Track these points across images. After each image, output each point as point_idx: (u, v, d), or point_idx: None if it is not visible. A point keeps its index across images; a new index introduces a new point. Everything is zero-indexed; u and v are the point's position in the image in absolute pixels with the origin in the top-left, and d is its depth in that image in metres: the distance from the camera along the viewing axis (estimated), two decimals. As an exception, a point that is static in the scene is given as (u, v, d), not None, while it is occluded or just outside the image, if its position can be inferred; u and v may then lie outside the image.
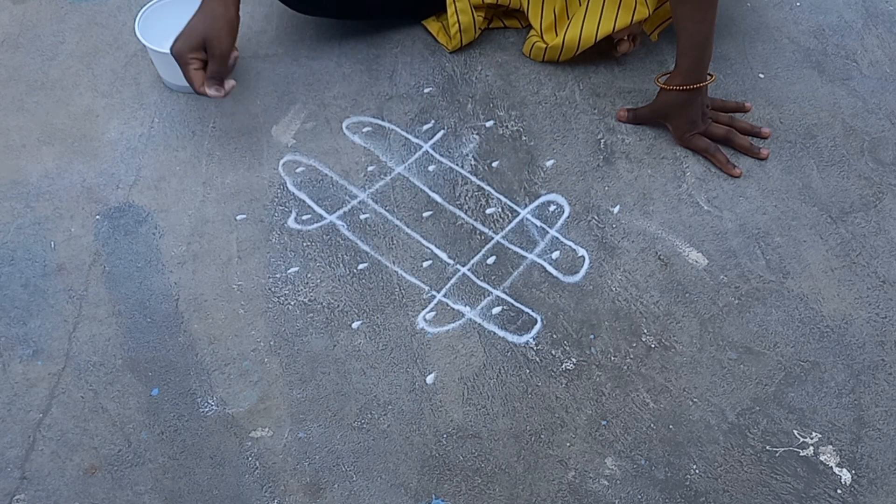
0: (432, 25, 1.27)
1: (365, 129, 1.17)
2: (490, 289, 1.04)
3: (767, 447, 0.94)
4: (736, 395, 0.97)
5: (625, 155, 1.16)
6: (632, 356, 0.99)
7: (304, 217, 1.08)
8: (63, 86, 1.18)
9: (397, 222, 1.09)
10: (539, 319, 1.01)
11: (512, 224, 1.09)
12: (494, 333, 1.00)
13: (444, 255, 1.06)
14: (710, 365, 0.99)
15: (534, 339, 1.00)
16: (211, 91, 1.01)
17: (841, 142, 1.19)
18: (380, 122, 1.17)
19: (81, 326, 0.98)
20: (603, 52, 1.24)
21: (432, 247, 1.07)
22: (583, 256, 1.07)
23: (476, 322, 1.01)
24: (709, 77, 1.10)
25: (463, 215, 1.10)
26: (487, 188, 1.12)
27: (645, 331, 1.01)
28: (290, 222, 1.07)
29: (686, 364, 0.99)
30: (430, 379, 0.97)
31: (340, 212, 1.09)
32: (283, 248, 1.05)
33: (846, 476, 0.92)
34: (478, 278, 1.04)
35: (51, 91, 1.17)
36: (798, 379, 0.98)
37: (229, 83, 1.03)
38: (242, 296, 1.01)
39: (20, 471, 0.89)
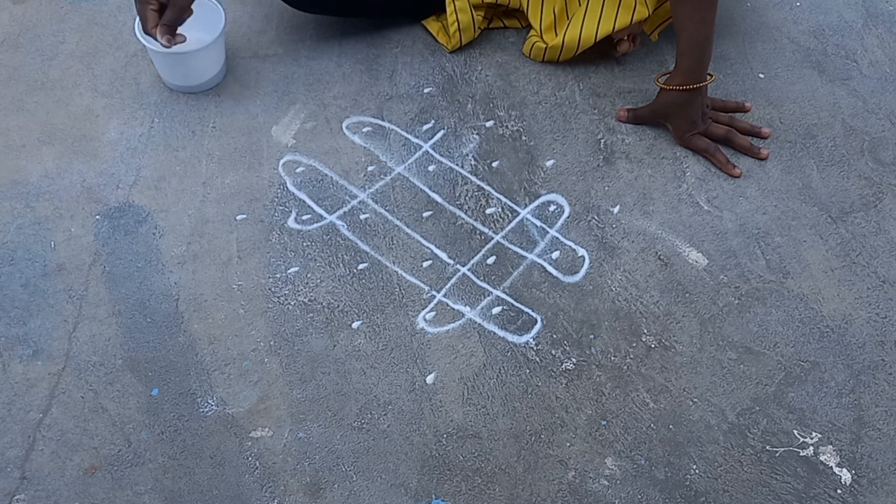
0: (432, 25, 1.27)
1: (365, 129, 1.17)
2: (490, 289, 1.04)
3: (767, 447, 0.94)
4: (736, 395, 0.97)
5: (625, 155, 1.16)
6: (632, 356, 0.99)
7: (304, 217, 1.08)
8: (63, 86, 1.18)
9: (397, 222, 1.09)
10: (539, 319, 1.01)
11: (512, 224, 1.09)
12: (494, 333, 1.00)
13: (444, 255, 1.06)
14: (710, 365, 0.99)
15: (534, 339, 1.00)
16: (163, 39, 1.05)
17: (841, 142, 1.19)
18: (380, 122, 1.17)
19: (81, 326, 0.98)
20: (603, 52, 1.24)
21: (432, 247, 1.07)
22: (583, 256, 1.07)
23: (476, 322, 1.01)
24: (709, 77, 1.10)
25: (463, 215, 1.10)
26: (487, 188, 1.12)
27: (645, 331, 1.01)
28: (290, 222, 1.07)
29: (686, 364, 0.99)
30: (430, 379, 0.97)
31: (340, 212, 1.09)
32: (283, 248, 1.05)
33: (846, 476, 0.92)
34: (478, 278, 1.04)
35: (51, 91, 1.17)
36: (798, 379, 0.98)
37: (179, 36, 1.06)
38: (242, 296, 1.01)
39: (20, 471, 0.89)
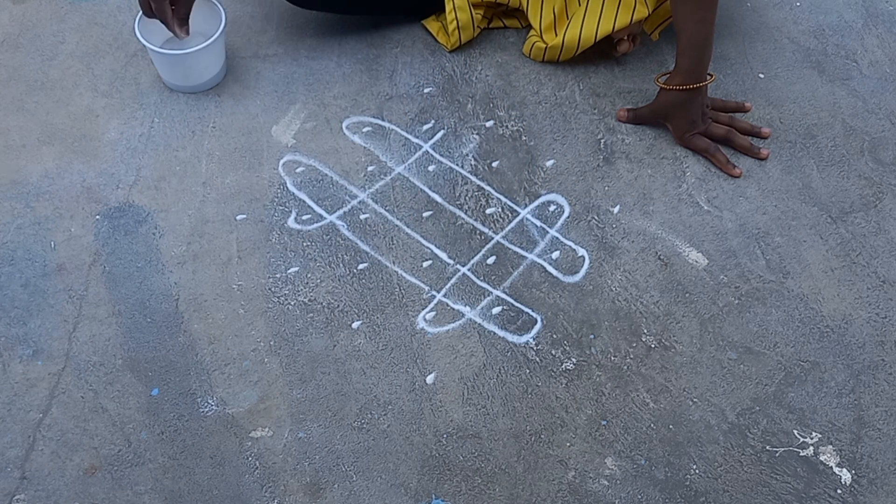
0: (432, 25, 1.27)
1: (365, 129, 1.17)
2: (490, 289, 1.04)
3: (767, 447, 0.94)
4: (736, 395, 0.97)
5: (625, 155, 1.16)
6: (632, 356, 0.99)
7: (304, 217, 1.08)
8: (63, 86, 1.18)
9: (397, 222, 1.09)
10: (539, 319, 1.01)
11: (512, 224, 1.09)
12: (494, 333, 1.00)
13: (444, 255, 1.06)
14: (710, 365, 0.99)
15: (534, 339, 1.00)
16: (182, 32, 1.12)
17: (841, 142, 1.19)
18: (380, 122, 1.17)
19: (81, 326, 0.98)
20: (603, 52, 1.24)
21: (432, 247, 1.07)
22: (583, 256, 1.07)
23: (476, 322, 1.01)
24: (709, 77, 1.10)
25: (463, 215, 1.10)
26: (487, 188, 1.12)
27: (645, 331, 1.01)
28: (290, 222, 1.07)
29: (686, 364, 0.99)
30: (430, 379, 0.97)
31: (340, 212, 1.09)
32: (283, 248, 1.05)
33: (846, 476, 0.92)
34: (478, 278, 1.04)
35: (51, 91, 1.17)
36: (798, 379, 0.98)
37: (187, 26, 1.14)
38: (242, 296, 1.01)
39: (20, 471, 0.89)
